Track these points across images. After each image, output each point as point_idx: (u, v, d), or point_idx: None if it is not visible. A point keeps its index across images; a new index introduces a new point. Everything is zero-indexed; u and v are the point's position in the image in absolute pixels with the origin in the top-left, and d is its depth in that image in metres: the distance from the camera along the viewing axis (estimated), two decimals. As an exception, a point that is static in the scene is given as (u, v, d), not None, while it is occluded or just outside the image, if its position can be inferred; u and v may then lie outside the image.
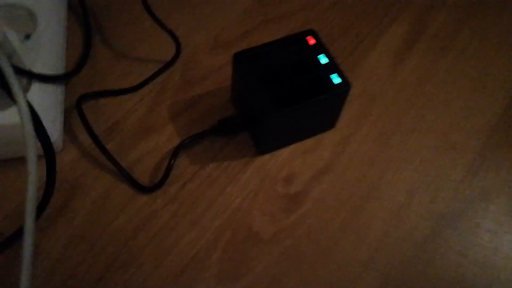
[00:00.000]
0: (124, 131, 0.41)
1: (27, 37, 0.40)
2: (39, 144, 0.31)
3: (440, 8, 0.50)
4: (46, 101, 0.37)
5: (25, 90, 0.36)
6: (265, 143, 0.39)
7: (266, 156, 0.40)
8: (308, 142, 0.41)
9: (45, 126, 0.36)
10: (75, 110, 0.41)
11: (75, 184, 0.38)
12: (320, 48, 0.38)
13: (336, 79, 0.36)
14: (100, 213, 0.37)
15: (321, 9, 0.50)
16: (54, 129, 0.37)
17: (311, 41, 0.38)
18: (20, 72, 0.34)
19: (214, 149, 0.40)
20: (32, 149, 0.28)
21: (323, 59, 0.37)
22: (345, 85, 0.36)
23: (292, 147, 0.41)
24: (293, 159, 0.40)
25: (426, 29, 0.49)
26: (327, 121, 0.40)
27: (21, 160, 0.32)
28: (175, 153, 0.39)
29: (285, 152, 0.41)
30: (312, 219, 0.38)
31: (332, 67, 0.37)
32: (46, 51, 0.39)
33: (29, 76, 0.36)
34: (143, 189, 0.38)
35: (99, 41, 0.46)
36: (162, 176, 0.38)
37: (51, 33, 0.40)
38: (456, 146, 0.42)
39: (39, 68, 0.37)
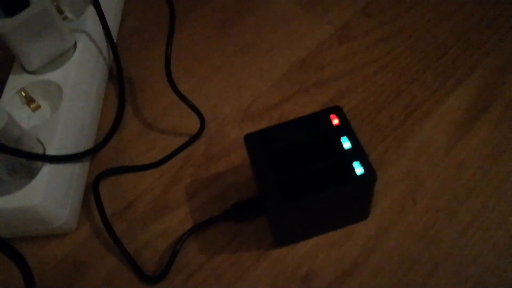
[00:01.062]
0: (138, 211, 0.39)
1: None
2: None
3: (518, 69, 0.41)
4: (58, 182, 0.36)
5: (36, 172, 0.36)
6: (282, 235, 0.34)
7: (285, 249, 0.35)
8: (336, 234, 0.35)
9: (51, 211, 0.35)
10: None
11: (80, 266, 0.37)
12: (344, 129, 0.32)
13: (358, 168, 0.30)
14: (101, 303, 0.35)
15: (369, 72, 0.44)
16: (62, 213, 0.36)
17: (335, 120, 0.33)
18: (29, 156, 0.34)
19: (227, 236, 0.36)
20: None
21: (346, 143, 0.32)
22: (369, 177, 0.30)
23: (317, 238, 0.35)
24: (315, 254, 0.34)
25: (498, 96, 0.40)
26: (356, 212, 0.34)
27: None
28: (180, 241, 0.35)
29: (307, 245, 0.35)
30: (330, 334, 0.31)
31: (356, 153, 0.31)
32: (66, 128, 0.39)
33: (40, 159, 0.35)
34: (147, 280, 0.35)
35: (130, 114, 0.45)
36: (165, 267, 0.35)
37: (75, 109, 0.40)
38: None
39: (55, 144, 0.37)
